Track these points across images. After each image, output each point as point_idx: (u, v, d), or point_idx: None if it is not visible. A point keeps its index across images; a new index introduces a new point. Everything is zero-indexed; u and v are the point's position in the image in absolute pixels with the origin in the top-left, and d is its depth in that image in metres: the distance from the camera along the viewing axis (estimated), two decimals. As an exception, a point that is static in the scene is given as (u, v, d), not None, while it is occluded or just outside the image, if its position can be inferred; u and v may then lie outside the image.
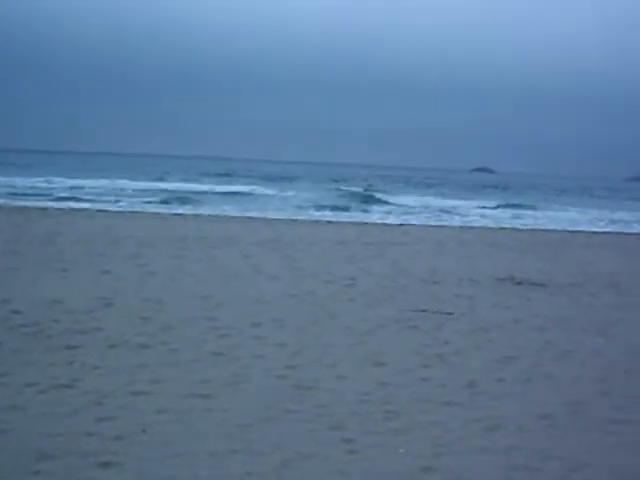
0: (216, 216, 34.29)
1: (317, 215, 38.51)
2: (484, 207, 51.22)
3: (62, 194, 44.47)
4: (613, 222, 44.78)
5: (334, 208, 44.13)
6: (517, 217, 44.57)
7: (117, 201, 41.69)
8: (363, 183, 75.84)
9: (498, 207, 52.08)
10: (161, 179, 65.31)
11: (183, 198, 44.83)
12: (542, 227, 37.55)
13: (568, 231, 35.94)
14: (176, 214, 34.44)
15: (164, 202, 42.46)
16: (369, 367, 9.58)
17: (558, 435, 7.48)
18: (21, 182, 51.64)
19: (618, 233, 36.79)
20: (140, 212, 34.73)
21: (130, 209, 36.66)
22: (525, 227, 37.05)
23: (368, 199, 52.75)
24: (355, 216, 39.77)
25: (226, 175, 79.49)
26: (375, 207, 47.13)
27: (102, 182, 55.07)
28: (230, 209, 39.45)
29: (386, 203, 50.25)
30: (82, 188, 49.12)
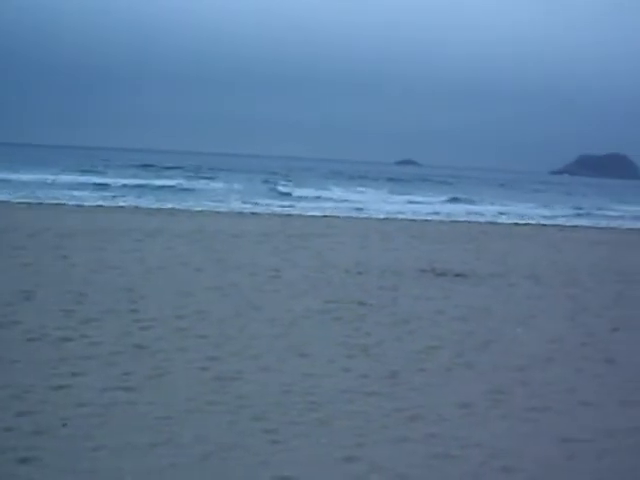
0: (139, 208, 34.00)
1: (242, 207, 38.37)
2: (412, 202, 51.54)
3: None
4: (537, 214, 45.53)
5: (260, 200, 44.06)
6: (445, 210, 44.97)
7: (39, 193, 40.93)
8: (288, 176, 75.94)
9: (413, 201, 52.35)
10: (87, 171, 64.34)
11: (106, 189, 44.34)
12: (466, 219, 38.00)
13: (490, 223, 36.45)
14: (98, 206, 34.07)
15: (87, 194, 41.87)
16: (293, 358, 9.59)
17: (478, 423, 7.59)
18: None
19: (540, 225, 37.41)
20: (62, 204, 34.21)
21: (51, 201, 36.00)
22: (449, 219, 37.44)
23: (287, 192, 52.78)
24: (280, 208, 39.74)
25: (150, 166, 78.48)
26: (295, 199, 47.15)
27: (25, 174, 53.99)
28: (155, 201, 39.11)
29: (305, 195, 50.32)
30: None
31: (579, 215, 49.38)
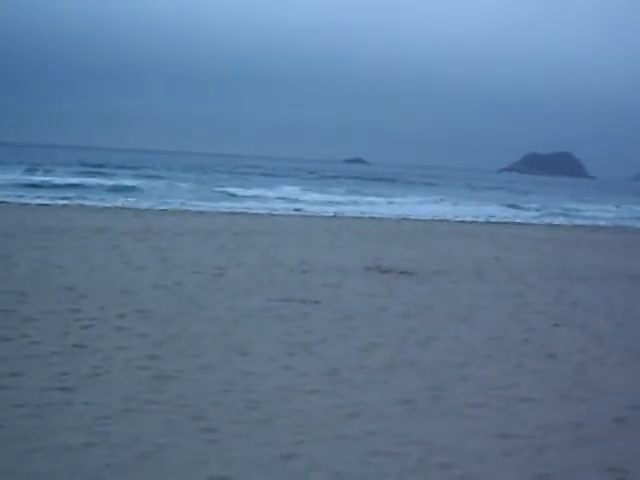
0: (84, 206, 33.66)
1: (189, 205, 38.12)
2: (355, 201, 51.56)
3: None
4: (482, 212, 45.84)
5: (207, 199, 43.85)
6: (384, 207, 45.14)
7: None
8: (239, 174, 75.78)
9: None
10: (31, 170, 63.41)
11: (52, 188, 43.81)
12: (412, 217, 38.11)
13: (437, 220, 36.62)
14: (43, 205, 33.65)
15: (32, 192, 41.30)
16: (234, 357, 9.54)
17: (417, 420, 7.60)
18: None
19: (485, 222, 37.70)
20: (3, 202, 33.69)
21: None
22: (396, 217, 37.53)
23: (234, 193, 52.60)
24: (226, 206, 39.56)
25: (99, 167, 77.51)
26: (242, 198, 47.02)
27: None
28: (101, 200, 38.74)
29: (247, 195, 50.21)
30: None
31: (523, 211, 49.85)
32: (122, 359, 9.18)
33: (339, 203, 46.43)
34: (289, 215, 34.95)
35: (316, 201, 46.77)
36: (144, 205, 36.25)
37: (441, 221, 36.31)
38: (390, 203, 49.09)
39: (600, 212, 55.04)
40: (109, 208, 33.38)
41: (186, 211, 33.81)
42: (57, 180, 51.40)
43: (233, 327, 11.08)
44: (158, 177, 64.33)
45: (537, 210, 51.84)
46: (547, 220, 43.16)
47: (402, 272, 17.02)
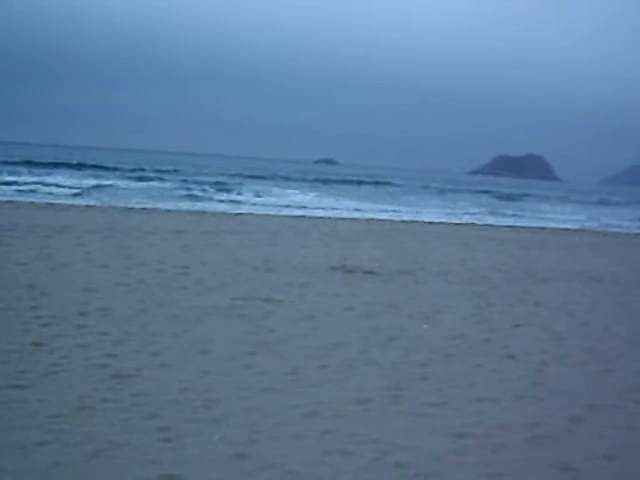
0: (52, 204, 33.38)
1: (158, 204, 37.93)
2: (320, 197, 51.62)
3: None
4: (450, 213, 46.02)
5: (176, 198, 43.73)
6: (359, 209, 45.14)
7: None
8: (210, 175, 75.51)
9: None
10: None
11: (18, 185, 43.51)
12: (379, 217, 38.20)
13: (404, 221, 36.71)
14: (7, 202, 33.36)
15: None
16: (193, 355, 9.50)
17: (375, 419, 7.59)
18: None
19: (452, 223, 37.82)
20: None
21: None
22: (363, 217, 37.58)
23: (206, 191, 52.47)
24: (194, 205, 39.47)
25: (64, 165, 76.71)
26: (211, 198, 46.89)
27: None
28: (69, 197, 38.52)
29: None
30: None
31: (492, 213, 50.09)
32: (81, 357, 9.11)
33: (305, 203, 46.46)
34: (256, 214, 34.86)
35: (283, 201, 46.73)
36: (117, 203, 36.00)
37: (408, 222, 36.36)
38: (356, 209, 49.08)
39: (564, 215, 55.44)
40: (76, 206, 33.13)
41: (153, 210, 33.62)
42: (24, 178, 51.02)
43: (194, 325, 11.03)
44: (123, 177, 63.82)
45: (503, 212, 51.98)
46: (515, 222, 43.38)
47: (367, 272, 17.03)
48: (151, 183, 57.29)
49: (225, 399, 7.88)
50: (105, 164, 77.26)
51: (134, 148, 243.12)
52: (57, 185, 47.94)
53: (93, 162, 78.81)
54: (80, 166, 71.96)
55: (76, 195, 41.95)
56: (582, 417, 8.01)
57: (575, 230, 39.92)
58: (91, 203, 35.52)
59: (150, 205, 36.86)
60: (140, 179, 61.53)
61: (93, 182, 52.53)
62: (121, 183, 54.94)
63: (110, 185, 51.71)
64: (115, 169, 72.36)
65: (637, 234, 40.96)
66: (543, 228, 39.17)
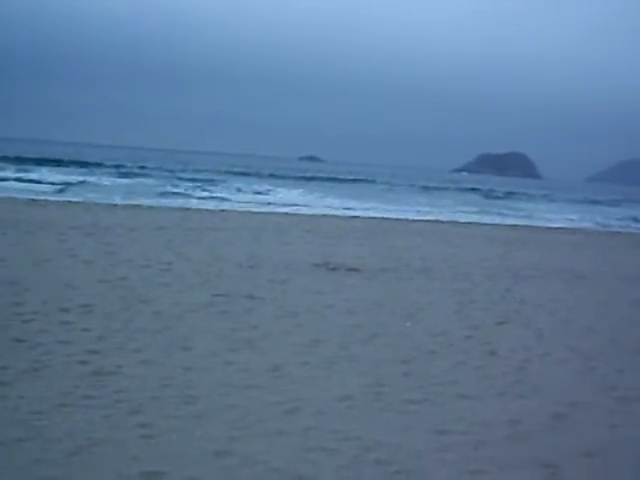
0: (34, 200, 33.20)
1: (141, 201, 37.76)
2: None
3: None
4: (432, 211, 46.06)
5: (159, 194, 43.61)
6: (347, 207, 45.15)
7: None
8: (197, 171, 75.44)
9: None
10: None
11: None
12: (362, 214, 38.21)
13: (387, 218, 36.71)
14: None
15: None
16: (175, 352, 9.47)
17: (356, 416, 7.59)
18: None
19: (435, 221, 37.85)
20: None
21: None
22: (346, 214, 37.59)
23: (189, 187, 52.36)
24: (178, 202, 39.38)
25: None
26: (195, 194, 46.79)
27: None
28: (52, 193, 38.34)
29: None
30: None
31: (475, 211, 50.15)
32: (63, 354, 9.07)
33: (290, 200, 46.45)
34: (240, 211, 34.78)
35: (268, 198, 46.69)
36: (101, 200, 35.85)
37: (391, 219, 36.35)
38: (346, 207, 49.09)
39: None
40: (59, 202, 32.98)
41: (136, 206, 33.49)
42: (7, 174, 50.80)
43: (176, 322, 11.00)
44: (107, 174, 63.56)
45: (486, 211, 52.02)
46: (497, 220, 43.49)
47: (350, 269, 17.03)
48: (134, 179, 57.15)
49: (206, 396, 7.87)
50: (90, 160, 76.99)
51: (119, 144, 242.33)
52: (40, 181, 47.73)
53: (79, 158, 78.60)
54: (63, 162, 71.63)
55: (59, 191, 41.78)
56: (564, 414, 8.04)
57: (558, 228, 39.99)
58: (74, 199, 35.29)
59: (133, 201, 36.69)
60: (124, 175, 61.36)
61: (77, 178, 52.33)
62: (105, 179, 54.78)
63: (94, 181, 51.54)
64: (100, 165, 72.20)
65: (621, 232, 41.12)
66: (526, 226, 39.27)
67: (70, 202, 33.27)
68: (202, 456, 6.33)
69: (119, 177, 59.19)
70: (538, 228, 38.27)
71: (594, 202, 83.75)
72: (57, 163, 69.88)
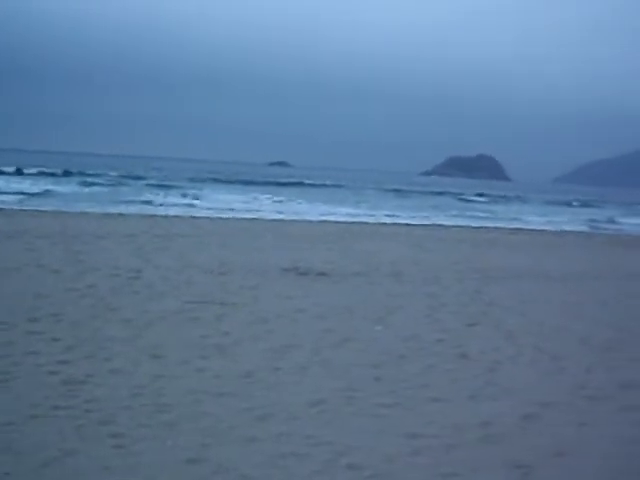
0: (2, 210, 32.95)
1: (109, 208, 37.54)
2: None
3: None
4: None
5: (128, 201, 43.38)
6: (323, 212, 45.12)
7: None
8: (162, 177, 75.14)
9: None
10: None
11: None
12: (332, 219, 38.24)
13: (357, 222, 36.77)
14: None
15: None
16: (145, 360, 9.42)
17: (328, 421, 7.59)
18: None
19: (405, 224, 37.94)
20: None
21: None
22: (316, 219, 37.59)
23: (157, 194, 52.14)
24: (146, 209, 39.21)
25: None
26: (163, 201, 46.57)
27: None
28: (19, 202, 38.03)
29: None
30: None
31: (445, 214, 50.33)
32: (32, 364, 9.01)
33: (259, 206, 46.41)
34: (210, 218, 34.68)
35: (237, 204, 46.61)
36: (68, 208, 35.61)
37: (361, 223, 36.42)
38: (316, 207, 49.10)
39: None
40: (26, 211, 32.76)
41: (105, 214, 33.31)
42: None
43: (146, 330, 10.95)
44: (75, 182, 63.12)
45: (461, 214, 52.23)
46: (467, 222, 43.65)
47: (320, 274, 17.04)
48: (102, 187, 56.86)
49: (178, 404, 7.83)
50: (57, 168, 76.34)
51: (88, 152, 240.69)
52: (5, 192, 47.32)
53: (46, 166, 77.88)
54: (24, 172, 71.00)
55: (26, 200, 41.45)
56: (534, 415, 8.08)
57: (527, 229, 40.21)
58: (42, 208, 35.04)
59: (102, 209, 36.47)
60: (91, 184, 60.96)
61: (44, 187, 51.92)
62: (74, 188, 54.45)
63: (60, 190, 51.17)
64: (69, 173, 71.68)
65: (588, 233, 41.41)
66: (496, 228, 39.46)
67: (38, 211, 33.02)
68: (174, 465, 6.30)
69: (87, 185, 58.82)
70: (506, 229, 38.43)
71: (562, 203, 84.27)
72: (19, 172, 69.26)
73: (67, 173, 71.90)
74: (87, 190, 53.63)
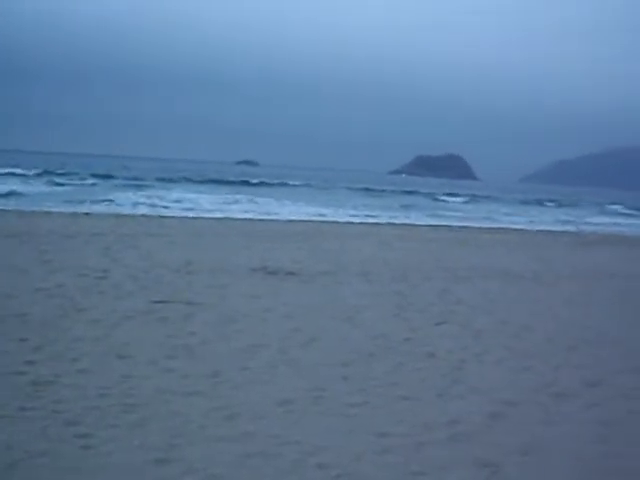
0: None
1: (77, 208, 37.29)
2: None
3: None
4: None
5: (95, 201, 43.09)
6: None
7: None
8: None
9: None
10: None
11: None
12: (300, 218, 38.21)
13: (325, 222, 36.79)
14: None
15: None
16: (113, 360, 9.38)
17: (296, 420, 7.59)
18: None
19: (374, 223, 38.01)
20: None
21: None
22: (284, 218, 37.55)
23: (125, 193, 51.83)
24: (114, 208, 39.00)
25: None
26: (131, 200, 46.30)
27: None
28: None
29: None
30: None
31: (413, 213, 50.45)
32: (-2, 364, 8.95)
33: (228, 205, 46.29)
34: (178, 217, 34.55)
35: (205, 203, 46.46)
36: (35, 207, 35.33)
37: (330, 223, 36.45)
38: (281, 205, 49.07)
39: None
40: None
41: (72, 214, 33.06)
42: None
43: (113, 330, 10.90)
44: (41, 182, 62.62)
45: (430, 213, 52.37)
46: (435, 221, 43.81)
47: (288, 273, 17.04)
48: (70, 187, 56.41)
49: (146, 404, 7.81)
50: (24, 168, 75.59)
51: (58, 151, 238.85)
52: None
53: (13, 166, 77.09)
54: None
55: None
56: (501, 413, 8.13)
57: (493, 228, 40.40)
58: (7, 208, 34.76)
59: (69, 209, 36.20)
60: (59, 184, 60.46)
61: (10, 187, 51.46)
62: (41, 188, 54.00)
63: (28, 190, 50.72)
64: (39, 174, 71.00)
65: (555, 232, 41.62)
66: (464, 227, 39.62)
67: (3, 210, 32.76)
68: (142, 465, 6.28)
69: (55, 185, 58.35)
70: (474, 229, 38.61)
71: (533, 202, 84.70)
72: None
73: (38, 174, 71.19)
74: (54, 190, 53.17)
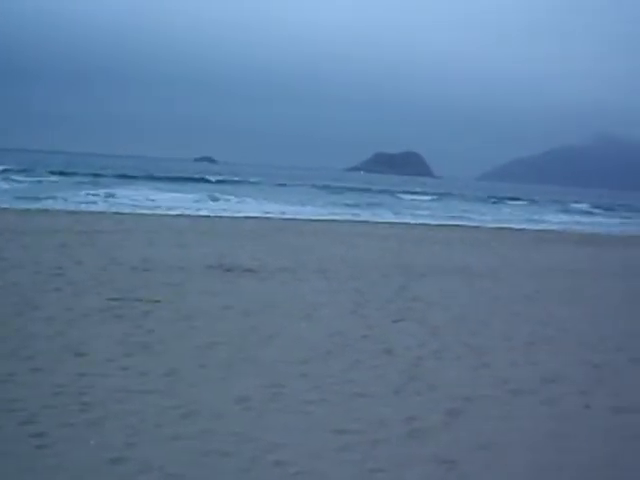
0: None
1: (31, 204, 36.91)
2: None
3: None
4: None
5: (52, 198, 42.70)
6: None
7: None
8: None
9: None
10: None
11: None
12: (258, 215, 38.18)
13: (283, 219, 36.77)
14: None
15: None
16: (68, 358, 9.28)
17: (254, 418, 7.55)
18: None
19: (331, 220, 38.06)
20: None
21: None
22: (243, 215, 37.48)
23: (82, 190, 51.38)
24: (69, 205, 38.68)
25: None
26: (88, 196, 45.92)
27: None
28: None
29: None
30: None
31: (371, 210, 50.57)
32: (-50, 364, 8.82)
33: (187, 202, 46.08)
34: (134, 214, 34.34)
35: (162, 200, 46.21)
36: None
37: (288, 220, 36.43)
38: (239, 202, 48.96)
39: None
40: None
41: (26, 210, 32.75)
42: None
43: (69, 328, 10.79)
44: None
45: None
46: (394, 218, 43.94)
47: (246, 270, 16.99)
48: (23, 184, 55.84)
49: (102, 402, 7.73)
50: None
51: (24, 148, 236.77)
52: None
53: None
54: None
55: None
56: (459, 410, 8.14)
57: (452, 226, 40.59)
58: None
59: (23, 206, 35.84)
60: (15, 181, 59.82)
61: None
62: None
63: None
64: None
65: (512, 229, 41.90)
66: (421, 224, 39.78)
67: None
68: (98, 464, 6.21)
69: (9, 182, 57.70)
70: (431, 226, 38.78)
71: (485, 200, 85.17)
72: None
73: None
74: (8, 187, 52.57)
